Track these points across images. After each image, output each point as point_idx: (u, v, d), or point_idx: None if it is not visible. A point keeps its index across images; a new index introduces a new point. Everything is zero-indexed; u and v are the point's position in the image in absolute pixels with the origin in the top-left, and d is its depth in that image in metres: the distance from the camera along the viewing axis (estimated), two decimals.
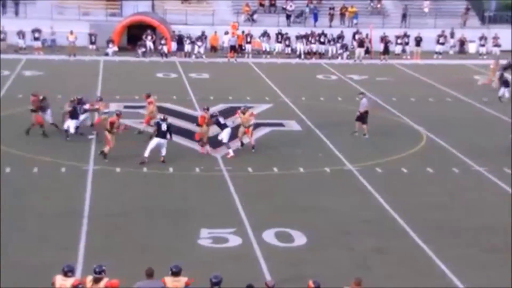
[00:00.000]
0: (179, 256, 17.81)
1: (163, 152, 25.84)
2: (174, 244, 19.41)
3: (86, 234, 19.85)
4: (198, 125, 27.74)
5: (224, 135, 27.16)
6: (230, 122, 28.26)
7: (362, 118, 30.11)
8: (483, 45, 52.05)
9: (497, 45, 51.80)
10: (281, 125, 32.24)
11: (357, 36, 51.08)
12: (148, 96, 30.02)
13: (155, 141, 25.85)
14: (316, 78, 43.70)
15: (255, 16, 54.47)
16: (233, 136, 27.80)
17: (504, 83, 38.20)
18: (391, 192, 23.81)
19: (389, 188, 24.20)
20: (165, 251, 18.83)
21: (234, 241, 19.78)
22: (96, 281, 14.12)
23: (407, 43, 51.29)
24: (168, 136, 25.94)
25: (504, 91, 37.67)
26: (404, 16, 55.01)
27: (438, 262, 18.66)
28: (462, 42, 52.64)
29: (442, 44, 51.49)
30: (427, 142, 29.85)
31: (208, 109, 28.19)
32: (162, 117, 26.55)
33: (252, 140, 27.95)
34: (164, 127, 25.79)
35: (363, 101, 30.32)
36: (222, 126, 27.25)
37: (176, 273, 14.56)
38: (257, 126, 30.01)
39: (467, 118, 34.36)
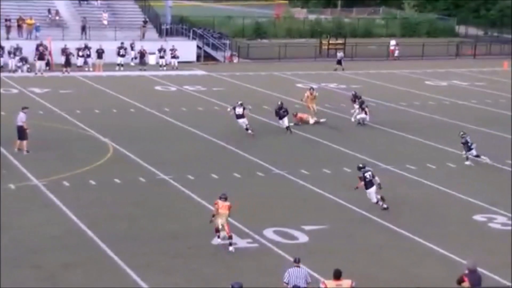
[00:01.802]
0: None
1: None
2: None
3: None
4: None
5: None
6: None
7: (20, 133, 29.23)
8: (162, 57, 53.56)
9: (175, 56, 53.66)
10: None
11: (38, 49, 50.08)
12: None
13: None
14: None
15: None
16: None
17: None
18: (80, 205, 23.63)
19: (78, 202, 24.01)
20: None
21: None
22: None
23: (88, 55, 51.27)
24: None
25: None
26: (83, 29, 54.94)
27: (130, 272, 18.86)
28: (143, 54, 53.71)
29: (123, 56, 52.16)
30: (114, 153, 30.05)
31: None
32: None
33: None
34: None
35: (21, 115, 29.58)
36: None
37: None
38: None
39: (151, 127, 35.12)
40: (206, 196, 24.62)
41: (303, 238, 21.48)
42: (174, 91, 45.34)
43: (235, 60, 59.71)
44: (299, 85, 48.78)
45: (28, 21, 54.10)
